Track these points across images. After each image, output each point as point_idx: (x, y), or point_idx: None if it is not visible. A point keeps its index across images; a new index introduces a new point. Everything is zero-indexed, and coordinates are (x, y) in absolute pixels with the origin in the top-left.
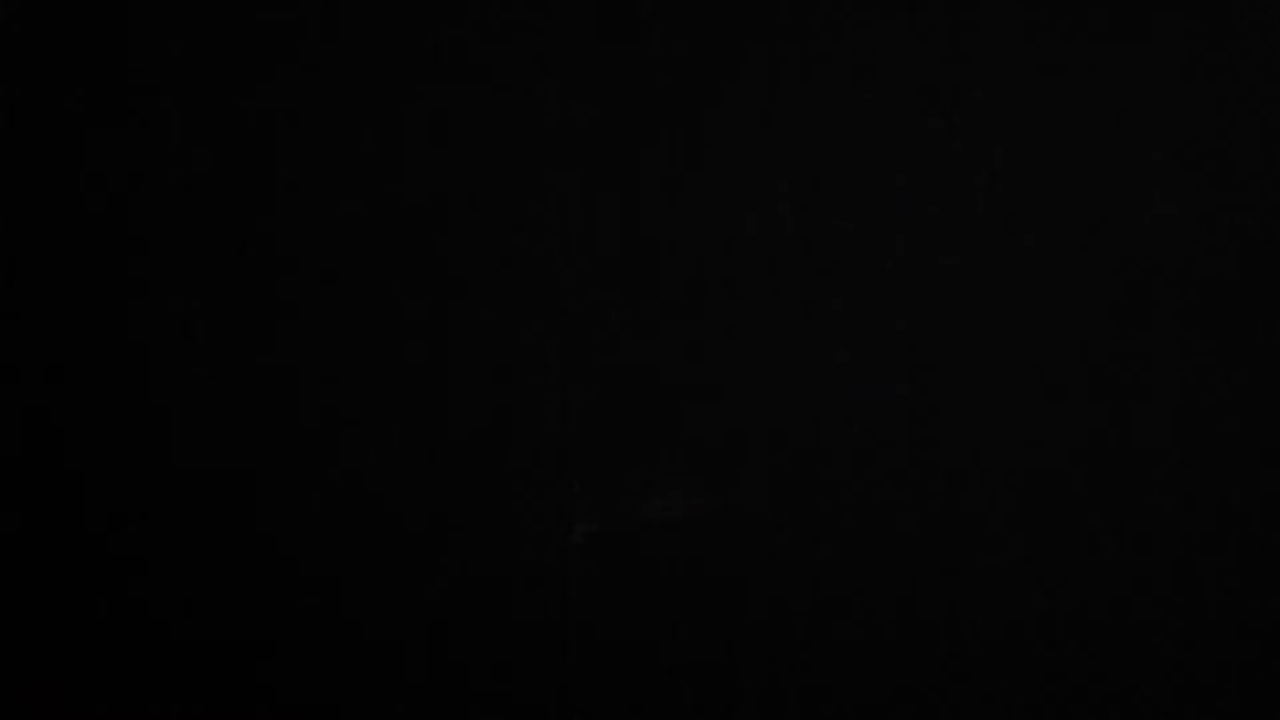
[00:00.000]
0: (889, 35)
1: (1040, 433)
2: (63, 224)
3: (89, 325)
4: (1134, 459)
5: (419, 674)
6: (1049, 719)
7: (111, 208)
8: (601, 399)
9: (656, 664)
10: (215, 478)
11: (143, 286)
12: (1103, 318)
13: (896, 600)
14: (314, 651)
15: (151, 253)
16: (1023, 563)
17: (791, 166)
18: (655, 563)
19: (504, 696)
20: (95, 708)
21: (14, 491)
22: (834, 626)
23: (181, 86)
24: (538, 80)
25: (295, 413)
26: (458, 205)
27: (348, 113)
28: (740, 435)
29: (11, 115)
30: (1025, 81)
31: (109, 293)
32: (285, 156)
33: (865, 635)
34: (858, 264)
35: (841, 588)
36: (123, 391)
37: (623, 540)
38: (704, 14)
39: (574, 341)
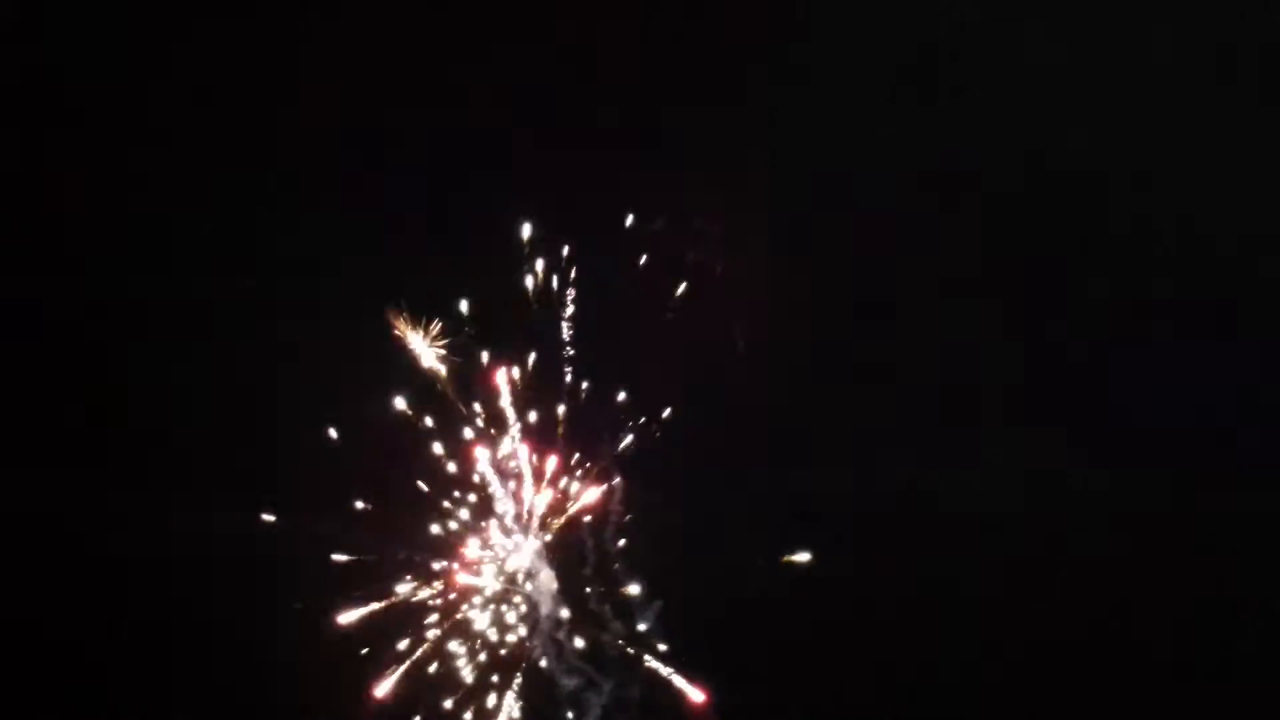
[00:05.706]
0: (886, 32)
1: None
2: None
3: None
4: (1133, 458)
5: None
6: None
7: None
8: (600, 401)
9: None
10: (215, 477)
11: (129, 281)
12: (1105, 317)
13: (898, 599)
14: (312, 652)
15: (138, 249)
16: (1024, 561)
17: (790, 165)
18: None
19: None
20: None
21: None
22: (837, 626)
23: (175, 86)
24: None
25: (294, 414)
26: (441, 217)
27: (344, 122)
28: (740, 434)
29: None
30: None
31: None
32: (282, 157)
33: (867, 635)
34: (858, 260)
35: (844, 586)
36: (123, 387)
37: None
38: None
39: (573, 341)
